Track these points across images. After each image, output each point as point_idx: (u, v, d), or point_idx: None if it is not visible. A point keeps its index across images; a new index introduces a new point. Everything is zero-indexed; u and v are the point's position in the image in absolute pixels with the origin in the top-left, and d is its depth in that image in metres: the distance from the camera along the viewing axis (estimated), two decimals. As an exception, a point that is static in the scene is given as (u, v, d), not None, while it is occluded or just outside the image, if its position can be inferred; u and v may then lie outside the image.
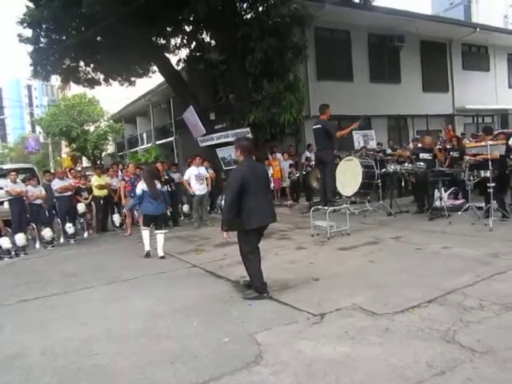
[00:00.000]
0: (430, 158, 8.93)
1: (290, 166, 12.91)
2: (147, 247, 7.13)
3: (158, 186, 7.32)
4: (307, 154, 12.81)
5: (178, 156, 21.66)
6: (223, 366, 3.01)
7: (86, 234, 10.10)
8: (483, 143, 7.62)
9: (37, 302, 4.98)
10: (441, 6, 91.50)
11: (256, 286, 4.44)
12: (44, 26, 13.24)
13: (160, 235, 7.04)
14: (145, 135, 27.90)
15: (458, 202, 9.17)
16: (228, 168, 13.54)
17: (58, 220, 9.70)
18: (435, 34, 17.62)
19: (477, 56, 20.01)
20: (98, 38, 13.48)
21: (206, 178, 10.37)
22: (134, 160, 21.88)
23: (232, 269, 5.75)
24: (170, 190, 9.67)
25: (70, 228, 9.32)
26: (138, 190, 7.22)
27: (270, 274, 5.21)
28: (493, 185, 7.06)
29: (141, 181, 7.53)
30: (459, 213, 8.19)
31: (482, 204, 7.75)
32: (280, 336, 3.45)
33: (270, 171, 12.45)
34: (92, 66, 15.66)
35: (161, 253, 6.92)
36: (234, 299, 4.51)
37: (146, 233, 7.19)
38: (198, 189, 9.95)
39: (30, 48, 13.77)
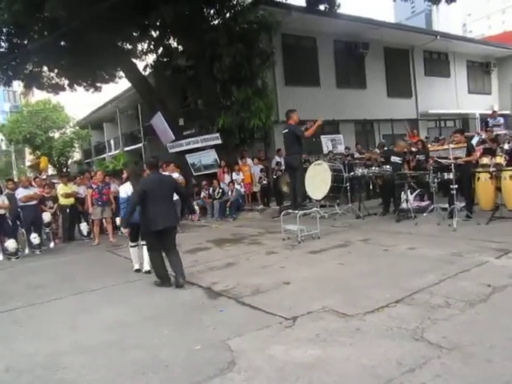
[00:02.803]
0: (400, 161, 9.17)
1: (261, 170, 12.96)
2: (137, 265, 6.31)
3: None
4: (277, 158, 12.91)
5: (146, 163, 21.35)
6: (195, 375, 2.97)
7: (52, 244, 9.77)
8: (445, 146, 7.88)
9: (-1, 317, 4.78)
10: (403, 14, 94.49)
11: (156, 276, 5.45)
12: (4, 30, 12.86)
13: (145, 246, 6.07)
14: (112, 142, 27.37)
15: (423, 204, 9.43)
16: (198, 173, 13.51)
17: (23, 230, 9.35)
18: (398, 41, 18.20)
19: (438, 62, 20.76)
20: (62, 43, 13.20)
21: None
22: (102, 167, 21.44)
23: (203, 275, 5.71)
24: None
25: (35, 238, 8.98)
26: (123, 194, 6.33)
27: (241, 280, 5.23)
28: (455, 186, 7.30)
29: (124, 184, 6.65)
30: (425, 214, 8.43)
31: (447, 205, 8.00)
32: (253, 341, 3.44)
33: (241, 176, 12.49)
34: (56, 71, 15.30)
35: (148, 267, 6.10)
36: (205, 306, 4.47)
37: (134, 250, 6.31)
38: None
39: (-10, 52, 13.33)
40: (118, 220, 8.16)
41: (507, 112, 21.61)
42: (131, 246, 6.37)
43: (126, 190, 6.38)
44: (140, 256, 6.25)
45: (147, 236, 5.53)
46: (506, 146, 9.56)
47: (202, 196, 12.61)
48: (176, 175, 10.37)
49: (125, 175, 7.37)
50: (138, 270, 6.28)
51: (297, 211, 7.62)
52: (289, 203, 9.10)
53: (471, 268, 4.81)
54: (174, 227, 5.56)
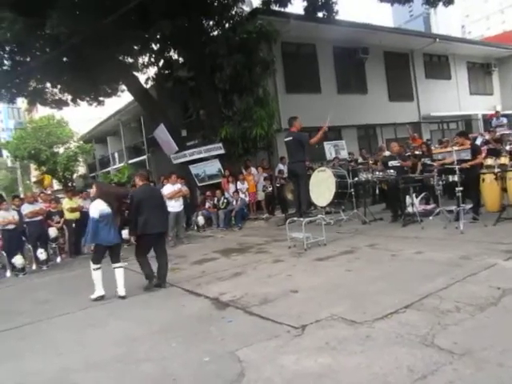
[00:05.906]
0: (399, 164, 9.08)
1: (265, 179, 12.94)
2: (101, 291, 5.66)
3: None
4: (280, 166, 12.89)
5: (152, 174, 21.47)
6: (205, 387, 2.95)
7: (58, 259, 9.82)
8: (449, 149, 7.85)
9: (7, 334, 4.77)
10: (401, 18, 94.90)
11: (146, 276, 5.92)
12: (7, 48, 13.04)
13: (119, 270, 5.73)
14: (116, 155, 27.51)
15: (429, 207, 9.37)
16: (202, 184, 13.53)
17: (29, 246, 9.39)
18: (397, 45, 18.24)
19: (438, 65, 20.77)
20: (64, 59, 13.33)
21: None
22: (107, 181, 21.55)
23: (210, 286, 5.69)
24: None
25: (41, 254, 9.02)
26: (95, 214, 5.54)
27: (249, 289, 5.21)
28: (461, 189, 7.25)
29: (95, 201, 5.80)
30: (431, 217, 8.37)
31: (453, 207, 7.94)
32: (261, 352, 3.41)
33: (245, 185, 12.49)
34: (59, 86, 15.48)
35: (122, 292, 5.66)
36: (213, 317, 4.45)
37: (98, 274, 5.65)
38: (173, 206, 9.84)
39: (-6, 71, 13.51)
40: (124, 233, 8.17)
41: (510, 112, 21.56)
42: (95, 269, 5.66)
43: (97, 207, 5.60)
44: (103, 280, 5.71)
45: (141, 243, 5.96)
46: (508, 147, 9.52)
47: (206, 206, 12.62)
48: (178, 186, 10.40)
49: (93, 191, 6.07)
50: (102, 297, 5.64)
51: (302, 219, 7.58)
52: (294, 211, 9.07)
53: (480, 271, 4.75)
54: (164, 233, 6.46)
